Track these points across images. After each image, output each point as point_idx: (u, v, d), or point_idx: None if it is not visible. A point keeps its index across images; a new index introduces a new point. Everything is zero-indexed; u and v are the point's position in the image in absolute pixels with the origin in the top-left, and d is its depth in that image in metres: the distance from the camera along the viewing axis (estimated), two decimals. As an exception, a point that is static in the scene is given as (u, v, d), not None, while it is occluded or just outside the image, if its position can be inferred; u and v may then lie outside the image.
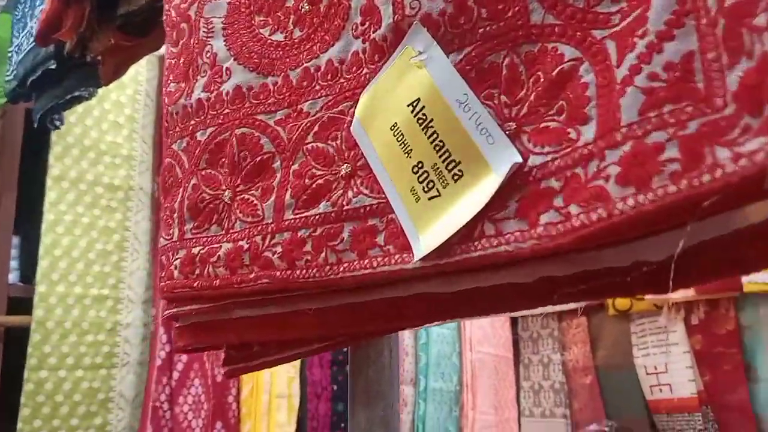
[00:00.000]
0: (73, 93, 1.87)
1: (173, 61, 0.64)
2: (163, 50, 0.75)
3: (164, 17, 0.67)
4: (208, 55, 0.60)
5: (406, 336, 2.89)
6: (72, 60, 1.67)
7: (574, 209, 0.33)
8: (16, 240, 2.33)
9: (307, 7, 0.54)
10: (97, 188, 2.25)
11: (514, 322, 3.40)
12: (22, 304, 2.10)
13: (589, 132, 0.34)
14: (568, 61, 0.37)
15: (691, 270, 0.34)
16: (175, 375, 2.24)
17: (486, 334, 3.18)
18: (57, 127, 2.08)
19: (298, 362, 2.53)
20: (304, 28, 0.54)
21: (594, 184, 0.33)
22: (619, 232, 0.31)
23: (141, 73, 2.56)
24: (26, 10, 2.10)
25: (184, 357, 2.25)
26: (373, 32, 0.48)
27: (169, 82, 0.63)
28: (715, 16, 0.30)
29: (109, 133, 2.33)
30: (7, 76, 2.07)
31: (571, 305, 2.69)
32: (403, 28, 0.46)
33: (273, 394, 2.48)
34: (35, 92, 1.95)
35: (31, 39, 1.91)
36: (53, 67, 1.79)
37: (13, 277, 2.30)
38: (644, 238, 0.34)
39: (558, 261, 0.36)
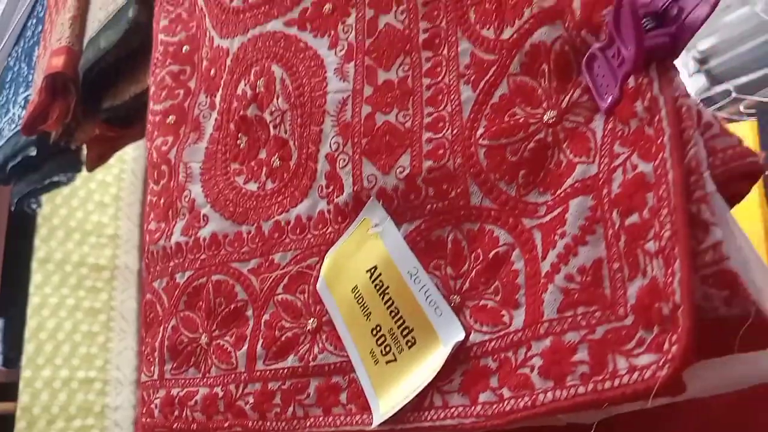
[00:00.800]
0: (52, 178, 1.92)
1: (154, 200, 0.69)
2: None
3: (147, 155, 0.73)
4: (186, 199, 0.65)
5: None
6: (56, 147, 1.72)
7: (506, 392, 0.37)
8: (0, 323, 2.33)
9: (278, 162, 0.60)
10: (83, 269, 2.27)
11: None
12: (6, 390, 2.09)
13: (519, 318, 0.39)
14: (502, 245, 0.42)
15: (615, 428, 0.39)
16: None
17: None
18: (34, 211, 2.12)
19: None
20: (275, 181, 0.59)
21: (521, 372, 0.37)
22: (544, 416, 0.35)
23: (127, 152, 2.61)
24: (9, 96, 2.18)
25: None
26: (337, 197, 0.53)
27: (150, 220, 0.68)
28: (618, 230, 0.36)
29: (94, 213, 2.37)
30: (-12, 159, 2.12)
31: None
32: (362, 198, 0.51)
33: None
34: (14, 177, 2.00)
35: (13, 125, 1.97)
36: (33, 154, 1.85)
37: (-5, 362, 2.29)
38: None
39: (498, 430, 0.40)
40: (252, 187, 0.61)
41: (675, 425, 0.38)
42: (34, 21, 2.11)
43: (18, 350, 2.15)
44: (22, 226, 2.27)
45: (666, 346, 0.31)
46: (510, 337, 0.39)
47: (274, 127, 0.60)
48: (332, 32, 0.58)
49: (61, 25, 1.68)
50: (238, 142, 0.64)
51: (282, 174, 0.59)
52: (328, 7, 0.59)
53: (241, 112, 0.63)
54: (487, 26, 0.48)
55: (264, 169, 0.61)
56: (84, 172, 1.92)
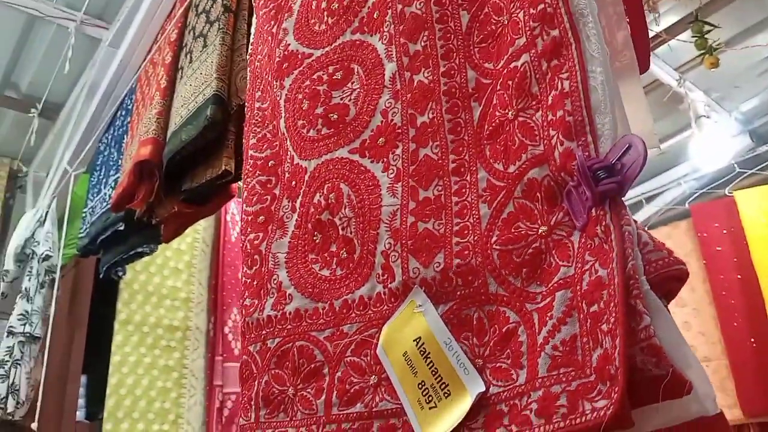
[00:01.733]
0: (137, 249, 2.19)
1: (248, 281, 0.89)
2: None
3: (241, 245, 0.93)
4: (275, 282, 0.84)
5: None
6: (138, 222, 1.98)
7: (514, 428, 0.54)
8: (83, 379, 2.57)
9: (345, 254, 0.79)
10: (158, 330, 2.50)
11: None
12: (88, 442, 2.29)
13: (522, 376, 0.56)
14: (512, 323, 0.59)
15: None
16: None
17: None
18: (120, 278, 2.39)
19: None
20: (343, 269, 0.78)
21: (524, 413, 0.53)
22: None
23: (199, 222, 2.88)
24: (101, 177, 2.49)
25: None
26: (390, 283, 0.72)
27: (245, 297, 0.88)
28: (586, 315, 0.52)
29: (169, 278, 2.62)
30: (81, 234, 2.42)
31: None
32: (408, 284, 0.69)
33: None
34: (103, 248, 2.27)
35: (104, 204, 2.26)
36: (122, 228, 2.12)
37: (80, 414, 2.52)
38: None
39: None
40: (325, 272, 0.80)
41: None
42: (123, 113, 2.44)
43: (99, 405, 2.37)
44: (106, 292, 2.53)
45: (612, 394, 0.47)
46: (516, 389, 0.56)
47: (342, 228, 0.80)
48: (385, 160, 0.78)
49: (148, 119, 1.97)
50: (314, 238, 0.83)
51: (348, 264, 0.78)
52: (381, 140, 0.79)
53: (317, 216, 0.83)
54: (498, 162, 0.67)
55: (334, 259, 0.80)
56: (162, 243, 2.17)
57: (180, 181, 1.79)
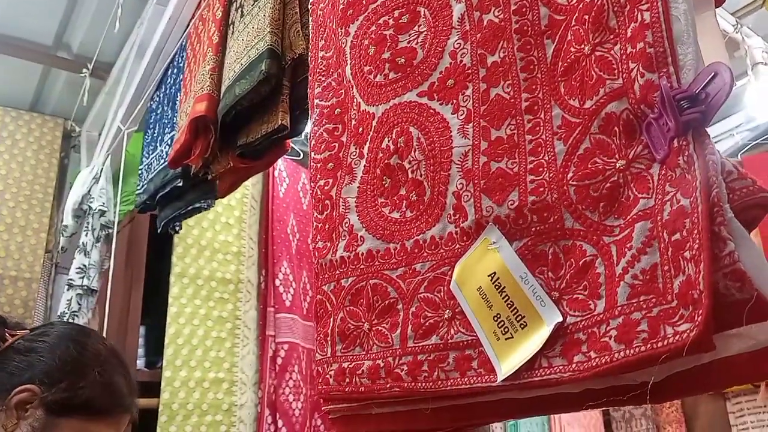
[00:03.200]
0: (194, 205, 2.25)
1: (320, 225, 0.92)
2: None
3: (311, 194, 0.96)
4: (346, 225, 0.87)
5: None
6: (195, 178, 2.03)
7: (593, 354, 0.56)
8: (142, 330, 2.70)
9: (415, 197, 0.81)
10: (212, 282, 2.60)
11: (603, 400, 3.42)
12: (149, 388, 2.42)
13: (600, 305, 0.57)
14: (589, 255, 0.61)
15: (667, 389, 0.56)
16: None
17: (575, 416, 3.22)
18: (177, 232, 2.47)
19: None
20: (413, 211, 0.81)
21: (603, 340, 0.55)
22: (618, 370, 0.54)
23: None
24: (155, 135, 2.56)
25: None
26: (462, 222, 0.73)
27: (317, 240, 0.91)
28: (667, 244, 0.53)
29: (221, 233, 2.71)
30: (138, 190, 2.50)
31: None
32: (482, 223, 0.71)
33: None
34: (160, 204, 2.34)
35: (161, 161, 2.33)
36: (180, 184, 2.18)
37: (140, 363, 2.66)
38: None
39: (587, 381, 0.58)
40: (395, 215, 0.83)
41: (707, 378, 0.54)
42: (175, 71, 2.48)
43: (158, 354, 2.50)
44: (161, 246, 2.62)
45: (696, 317, 0.48)
46: (595, 318, 0.57)
47: (412, 172, 0.82)
48: (455, 101, 0.79)
49: (202, 75, 2.01)
50: (383, 182, 0.86)
51: (419, 206, 0.80)
52: (450, 81, 0.80)
53: (386, 161, 0.85)
54: (573, 98, 0.67)
55: (404, 202, 0.82)
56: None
57: (235, 136, 1.83)
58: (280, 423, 2.41)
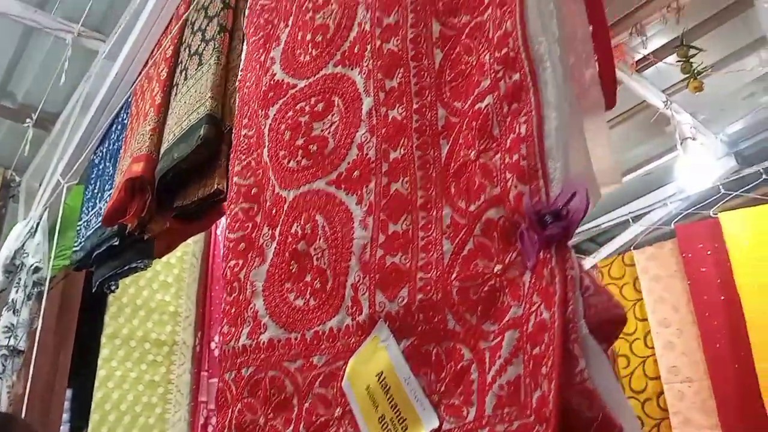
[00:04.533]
0: (131, 264, 2.20)
1: (227, 308, 0.91)
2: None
3: (222, 273, 0.96)
4: (251, 310, 0.87)
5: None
6: (131, 237, 1.99)
7: (463, 462, 0.56)
8: (68, 393, 2.57)
9: (318, 285, 0.82)
10: (146, 344, 2.51)
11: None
12: (71, 457, 2.29)
13: (472, 413, 0.58)
14: (466, 360, 0.62)
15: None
16: None
17: None
18: (112, 291, 2.39)
19: None
20: (316, 300, 0.81)
21: (473, 449, 0.56)
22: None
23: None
24: (95, 191, 2.51)
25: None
26: (358, 316, 0.74)
27: (224, 324, 0.90)
28: (529, 357, 0.55)
29: (159, 292, 2.63)
30: (75, 247, 2.44)
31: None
32: (375, 318, 0.72)
33: None
34: (96, 262, 2.28)
35: (99, 219, 2.28)
36: (116, 243, 2.13)
37: (64, 429, 2.52)
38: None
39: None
40: (299, 302, 0.83)
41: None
42: (119, 127, 2.47)
43: (84, 419, 2.37)
44: (94, 305, 2.53)
45: (548, 435, 0.50)
46: (466, 426, 0.58)
47: (317, 259, 0.83)
48: (359, 192, 0.81)
49: (142, 135, 2.00)
50: (291, 267, 0.86)
51: (321, 294, 0.81)
52: (356, 173, 0.82)
53: (294, 246, 0.86)
54: (461, 200, 0.70)
55: (309, 289, 0.83)
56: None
57: (172, 197, 1.82)
58: (209, 493, 2.31)
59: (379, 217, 0.77)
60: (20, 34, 2.80)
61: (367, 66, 0.86)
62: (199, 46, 1.86)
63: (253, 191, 0.98)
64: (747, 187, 3.45)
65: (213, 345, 2.59)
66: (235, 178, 1.02)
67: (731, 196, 3.48)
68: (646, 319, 3.51)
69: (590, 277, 0.57)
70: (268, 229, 0.92)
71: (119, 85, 2.49)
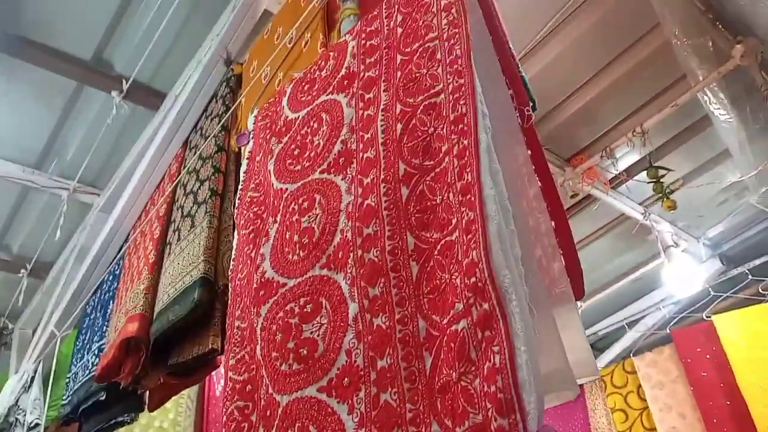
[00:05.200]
0: (117, 419, 2.18)
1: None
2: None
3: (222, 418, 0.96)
4: None
5: None
6: (121, 391, 1.98)
7: None
8: None
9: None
10: (140, 499, 2.42)
11: None
12: None
13: None
14: None
15: None
16: None
17: None
18: (100, 447, 2.34)
19: None
20: None
21: None
22: None
23: (185, 378, 2.85)
24: (85, 342, 2.52)
25: None
26: None
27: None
28: None
29: (153, 443, 2.57)
30: (63, 401, 2.41)
31: None
32: None
33: None
34: (84, 416, 2.26)
35: (86, 372, 2.27)
36: (103, 398, 2.12)
37: None
38: None
39: None
40: None
41: None
42: (110, 277, 2.52)
43: None
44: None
45: None
46: None
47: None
48: (350, 401, 0.85)
49: (136, 294, 2.05)
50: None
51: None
52: (346, 380, 0.87)
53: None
54: (448, 419, 0.74)
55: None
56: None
57: (166, 353, 1.84)
58: None
59: (371, 430, 0.81)
60: (18, 192, 2.93)
61: (350, 272, 0.93)
62: (191, 208, 1.96)
63: (247, 388, 1.02)
64: (736, 288, 3.51)
65: (211, 495, 2.51)
66: (230, 373, 1.06)
67: (722, 297, 3.53)
68: (654, 429, 3.43)
69: None
70: (264, 431, 0.95)
71: (114, 238, 2.57)
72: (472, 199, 0.82)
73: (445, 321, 0.79)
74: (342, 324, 0.91)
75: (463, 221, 0.82)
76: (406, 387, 0.80)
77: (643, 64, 2.64)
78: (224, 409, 1.03)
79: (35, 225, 3.05)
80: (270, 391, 0.96)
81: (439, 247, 0.84)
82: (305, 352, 0.94)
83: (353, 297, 0.92)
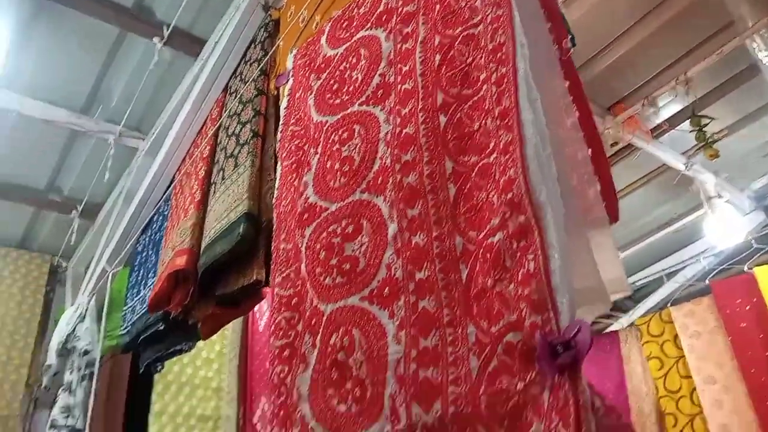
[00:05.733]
0: (175, 347, 2.31)
1: (275, 410, 1.01)
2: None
3: (269, 376, 1.05)
4: (299, 414, 0.97)
5: None
6: (176, 322, 2.11)
7: None
8: (120, 471, 2.64)
9: (358, 393, 0.91)
10: (191, 420, 2.59)
11: None
12: None
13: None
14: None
15: None
16: None
17: None
18: (158, 371, 2.50)
19: None
20: (358, 406, 0.90)
21: None
22: None
23: (230, 314, 2.98)
24: (139, 278, 2.66)
25: None
26: (397, 425, 0.84)
27: (274, 426, 0.99)
28: None
29: (202, 369, 2.73)
30: (122, 331, 2.57)
31: None
32: (412, 427, 0.81)
33: None
34: (143, 345, 2.41)
35: (143, 305, 2.41)
36: (162, 328, 2.25)
37: (116, 507, 2.58)
38: None
39: None
40: (342, 408, 0.92)
41: None
42: (160, 218, 2.63)
43: (136, 498, 2.44)
44: (141, 383, 2.63)
45: None
46: None
47: (356, 370, 0.92)
48: (390, 308, 0.91)
49: (183, 230, 2.15)
50: (332, 375, 0.96)
51: (362, 401, 0.90)
52: (386, 291, 0.93)
53: (334, 356, 0.96)
54: (483, 320, 0.79)
55: (350, 396, 0.92)
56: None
57: (213, 285, 1.94)
58: None
59: (410, 332, 0.87)
60: (66, 136, 3.04)
61: (390, 196, 0.98)
62: (234, 149, 2.03)
63: (293, 301, 1.09)
64: (780, 239, 3.44)
65: (255, 419, 2.66)
66: (277, 289, 1.13)
67: (765, 250, 3.47)
68: (690, 377, 3.44)
69: (600, 399, 0.65)
70: (309, 337, 1.02)
71: (159, 180, 2.67)
72: (510, 123, 0.85)
73: (481, 235, 0.83)
74: (382, 242, 0.97)
75: (501, 143, 0.86)
76: (443, 295, 0.86)
77: (687, 11, 2.55)
78: (272, 321, 1.11)
79: (84, 168, 3.17)
80: (315, 303, 1.03)
81: (476, 170, 0.88)
82: (347, 267, 1.00)
83: (392, 218, 0.97)
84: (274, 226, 1.24)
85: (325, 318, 1.00)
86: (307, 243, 1.09)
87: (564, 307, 0.69)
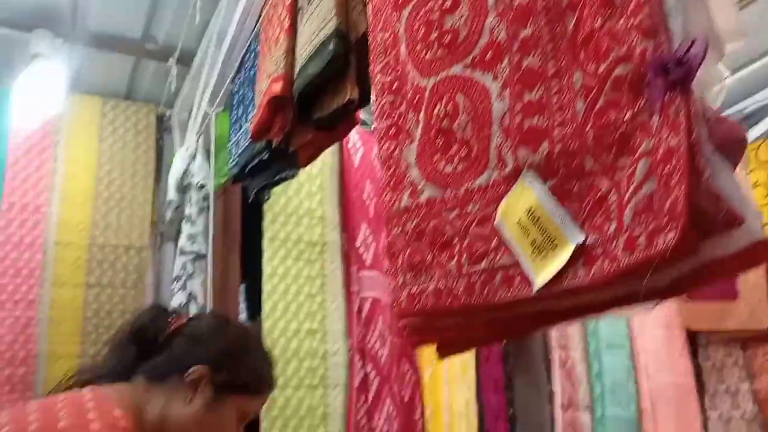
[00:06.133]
0: (280, 175, 2.49)
1: (387, 180, 1.10)
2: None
3: (377, 153, 1.14)
4: (408, 179, 1.06)
5: (577, 365, 3.15)
6: (278, 150, 2.26)
7: (606, 264, 0.72)
8: (242, 288, 3.01)
9: (464, 153, 0.98)
10: (300, 245, 2.85)
11: (694, 351, 3.44)
12: (251, 338, 2.70)
13: (612, 227, 0.74)
14: (604, 190, 0.76)
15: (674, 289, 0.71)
16: (371, 396, 2.71)
17: (663, 363, 3.29)
18: (266, 200, 2.72)
19: (473, 387, 2.95)
20: (464, 164, 0.98)
21: (614, 253, 0.72)
22: (624, 274, 0.70)
23: (325, 151, 3.15)
24: (240, 115, 2.81)
25: (377, 380, 2.72)
26: (504, 170, 0.90)
27: (386, 193, 1.10)
28: (661, 175, 0.68)
29: (306, 200, 2.95)
30: (231, 164, 2.78)
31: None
32: (519, 169, 0.87)
33: (453, 413, 2.89)
34: (250, 175, 2.60)
35: (247, 137, 2.57)
36: (266, 157, 2.42)
37: (243, 316, 2.98)
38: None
39: (603, 286, 0.75)
40: (449, 169, 1.00)
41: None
42: (252, 55, 2.71)
43: (258, 308, 2.79)
44: (254, 213, 2.89)
45: (679, 227, 0.64)
46: (608, 236, 0.74)
47: (460, 132, 0.98)
48: (494, 70, 0.94)
49: (277, 57, 2.22)
50: (437, 142, 1.03)
51: (467, 160, 0.97)
52: (489, 54, 0.96)
53: (438, 125, 1.02)
54: (590, 63, 0.81)
55: (456, 157, 0.99)
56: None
57: (310, 110, 2.03)
58: (369, 367, 2.68)
59: (514, 89, 0.91)
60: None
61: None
62: (317, -29, 2.00)
63: (394, 85, 1.15)
64: None
65: (357, 243, 2.87)
66: (378, 76, 1.19)
67: None
68: (800, 203, 3.31)
69: (713, 110, 0.68)
70: (413, 114, 1.09)
71: (247, 19, 2.71)
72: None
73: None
74: (483, 9, 0.98)
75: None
76: (549, 48, 0.87)
77: None
78: (376, 104, 1.18)
79: (175, 14, 3.25)
80: (416, 81, 1.08)
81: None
82: (448, 39, 1.03)
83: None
84: (371, 18, 1.27)
85: (427, 92, 1.05)
86: (405, 24, 1.12)
87: (677, 29, 0.70)
